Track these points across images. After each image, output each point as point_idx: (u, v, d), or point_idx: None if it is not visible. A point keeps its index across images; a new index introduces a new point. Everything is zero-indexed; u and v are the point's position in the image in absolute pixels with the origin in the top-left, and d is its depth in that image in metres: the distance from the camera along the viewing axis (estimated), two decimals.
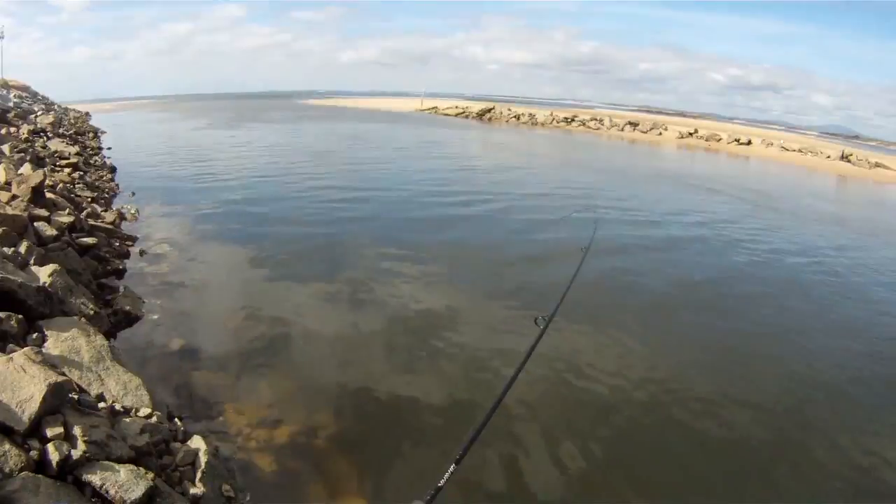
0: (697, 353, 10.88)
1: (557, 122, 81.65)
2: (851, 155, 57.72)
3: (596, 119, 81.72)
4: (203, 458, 5.97)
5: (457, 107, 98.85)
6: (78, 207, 14.91)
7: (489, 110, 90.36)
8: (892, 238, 23.61)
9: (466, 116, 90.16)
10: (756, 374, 10.11)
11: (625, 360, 10.17)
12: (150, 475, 5.12)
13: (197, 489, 5.59)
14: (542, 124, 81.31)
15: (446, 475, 1.89)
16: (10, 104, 38.87)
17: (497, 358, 9.79)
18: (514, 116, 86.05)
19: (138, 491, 4.85)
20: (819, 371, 10.38)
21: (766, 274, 16.09)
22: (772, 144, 66.20)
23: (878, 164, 54.78)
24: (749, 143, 67.13)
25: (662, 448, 7.89)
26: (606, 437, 7.96)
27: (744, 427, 8.48)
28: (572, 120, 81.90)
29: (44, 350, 6.78)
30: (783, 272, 16.42)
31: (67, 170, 20.73)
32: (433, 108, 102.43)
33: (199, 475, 5.77)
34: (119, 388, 6.70)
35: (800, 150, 62.11)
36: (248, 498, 6.11)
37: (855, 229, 24.32)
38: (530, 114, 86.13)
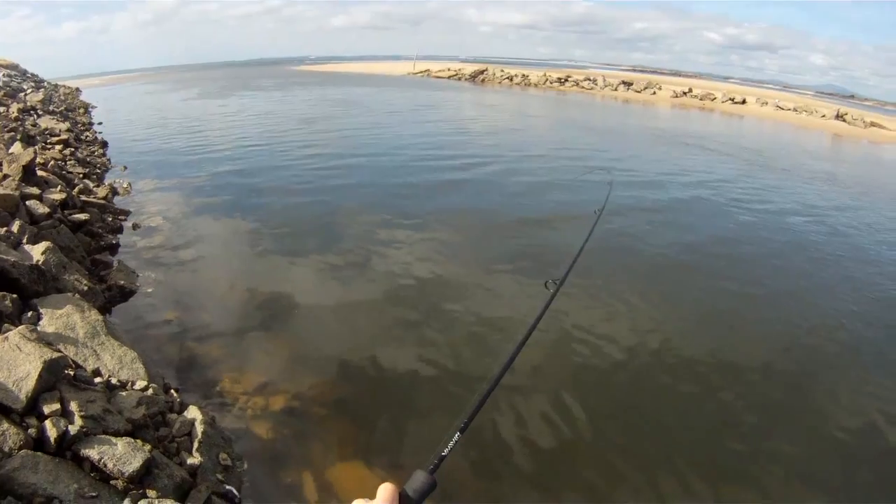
0: (692, 316, 10.87)
1: (551, 83, 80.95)
2: (846, 114, 57.15)
3: (590, 79, 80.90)
4: (199, 428, 6.06)
5: (449, 69, 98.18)
6: (70, 184, 14.90)
7: (482, 72, 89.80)
8: (888, 197, 23.52)
9: (459, 78, 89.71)
10: (750, 337, 10.16)
11: (616, 323, 10.18)
12: (148, 447, 5.21)
13: (194, 459, 5.68)
14: (536, 85, 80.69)
15: (451, 444, 1.80)
16: None
17: (496, 325, 9.88)
18: (507, 78, 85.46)
19: (136, 463, 4.94)
20: (813, 335, 10.41)
21: (763, 234, 15.96)
22: (766, 104, 65.51)
23: (873, 124, 54.33)
24: (744, 102, 66.43)
25: (650, 413, 7.96)
26: (595, 402, 8.03)
27: (734, 391, 8.55)
28: (566, 80, 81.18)
29: (39, 328, 6.85)
30: (780, 233, 16.24)
31: (58, 147, 20.64)
32: (425, 71, 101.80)
33: (195, 445, 5.86)
34: (114, 362, 6.77)
35: (795, 110, 61.65)
36: (245, 465, 6.21)
37: (850, 188, 24.13)
38: (523, 75, 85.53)
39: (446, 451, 1.82)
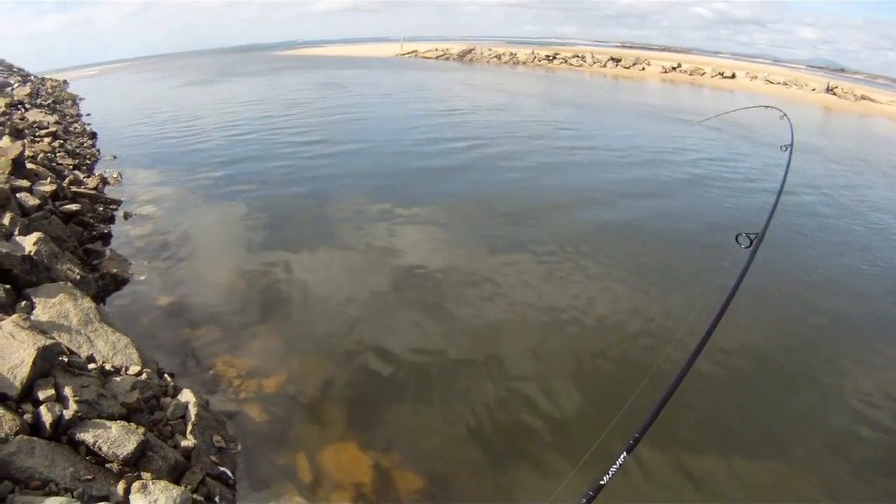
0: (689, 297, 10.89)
1: (539, 61, 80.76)
2: (837, 88, 57.08)
3: (578, 56, 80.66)
4: (193, 411, 6.14)
5: (437, 49, 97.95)
6: (60, 175, 14.91)
7: (469, 51, 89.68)
8: (881, 169, 23.45)
9: (447, 59, 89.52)
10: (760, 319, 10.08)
11: (620, 304, 10.24)
12: (142, 430, 5.29)
13: (188, 441, 5.76)
14: (524, 63, 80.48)
15: (612, 468, 1.43)
16: None
17: (496, 311, 9.88)
18: (496, 56, 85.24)
19: (130, 446, 5.03)
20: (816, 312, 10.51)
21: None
22: (756, 78, 65.54)
23: (863, 97, 54.19)
24: (733, 76, 66.44)
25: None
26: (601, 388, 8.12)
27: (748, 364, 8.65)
28: (554, 58, 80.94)
29: (32, 317, 6.92)
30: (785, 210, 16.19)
31: (47, 139, 20.62)
32: (413, 51, 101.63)
33: (189, 427, 5.95)
34: (108, 348, 6.85)
35: (784, 83, 61.55)
36: (239, 447, 6.29)
37: (844, 163, 24.01)
38: (511, 53, 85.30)
39: (605, 479, 1.37)
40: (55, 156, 18.23)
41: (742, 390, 8.02)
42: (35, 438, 4.78)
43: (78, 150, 21.02)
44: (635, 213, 14.93)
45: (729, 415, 7.47)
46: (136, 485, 4.77)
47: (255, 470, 6.10)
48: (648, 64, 73.93)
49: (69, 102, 39.93)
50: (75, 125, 28.27)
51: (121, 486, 4.74)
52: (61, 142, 21.24)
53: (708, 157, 22.23)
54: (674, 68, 70.72)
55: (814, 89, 57.71)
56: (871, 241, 14.15)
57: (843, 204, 17.20)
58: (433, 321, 9.51)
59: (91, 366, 6.24)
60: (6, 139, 16.02)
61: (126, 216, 14.10)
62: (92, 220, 12.86)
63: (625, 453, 1.53)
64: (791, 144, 7.92)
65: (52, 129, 22.76)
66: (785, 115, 9.76)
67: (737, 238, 5.00)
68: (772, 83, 62.36)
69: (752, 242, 4.74)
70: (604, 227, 13.92)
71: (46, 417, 4.99)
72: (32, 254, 8.47)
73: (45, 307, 7.23)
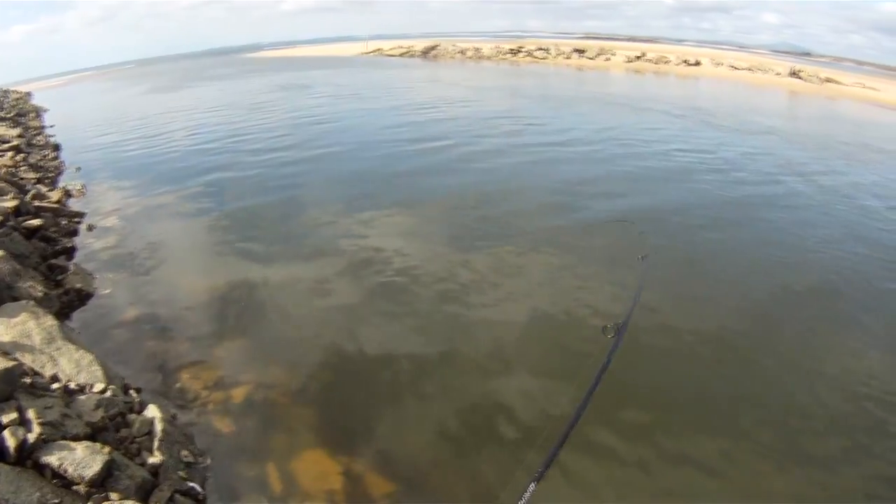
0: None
1: (503, 55, 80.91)
2: (801, 71, 57.68)
3: (542, 48, 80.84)
4: (159, 427, 6.11)
5: (401, 46, 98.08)
6: (22, 190, 14.78)
7: (433, 48, 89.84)
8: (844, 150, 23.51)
9: (411, 56, 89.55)
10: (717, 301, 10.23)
11: (596, 293, 10.31)
12: (107, 449, 5.26)
13: (155, 458, 5.73)
14: (489, 58, 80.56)
15: (526, 495, 1.64)
16: None
17: (466, 312, 9.88)
18: (460, 52, 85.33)
19: (95, 467, 5.00)
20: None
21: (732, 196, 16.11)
22: (721, 64, 66.09)
23: (828, 80, 54.74)
24: (698, 63, 66.98)
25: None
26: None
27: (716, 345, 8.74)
28: (518, 51, 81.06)
29: None
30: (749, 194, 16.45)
31: (10, 154, 20.43)
32: (377, 50, 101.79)
33: (156, 444, 5.91)
34: (72, 366, 6.80)
35: (749, 69, 62.05)
36: (208, 461, 6.26)
37: (808, 145, 24.15)
38: (475, 48, 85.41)
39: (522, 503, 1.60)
40: (17, 170, 18.05)
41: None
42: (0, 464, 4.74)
43: (41, 164, 20.83)
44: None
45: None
46: None
47: (225, 483, 6.08)
48: (613, 54, 74.28)
49: (32, 114, 39.55)
50: (38, 137, 28.00)
51: None
52: (24, 155, 21.04)
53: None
54: (638, 57, 71.17)
55: (778, 73, 58.21)
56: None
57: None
58: (400, 326, 9.48)
59: (55, 385, 6.20)
60: None
61: (90, 228, 13.95)
62: (55, 235, 12.74)
63: (533, 483, 1.73)
64: (647, 255, 9.18)
65: (15, 142, 22.58)
66: (643, 231, 10.49)
67: (603, 329, 5.79)
68: (737, 69, 62.93)
69: (615, 332, 5.51)
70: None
71: (10, 442, 4.94)
72: None
73: (7, 327, 7.17)
